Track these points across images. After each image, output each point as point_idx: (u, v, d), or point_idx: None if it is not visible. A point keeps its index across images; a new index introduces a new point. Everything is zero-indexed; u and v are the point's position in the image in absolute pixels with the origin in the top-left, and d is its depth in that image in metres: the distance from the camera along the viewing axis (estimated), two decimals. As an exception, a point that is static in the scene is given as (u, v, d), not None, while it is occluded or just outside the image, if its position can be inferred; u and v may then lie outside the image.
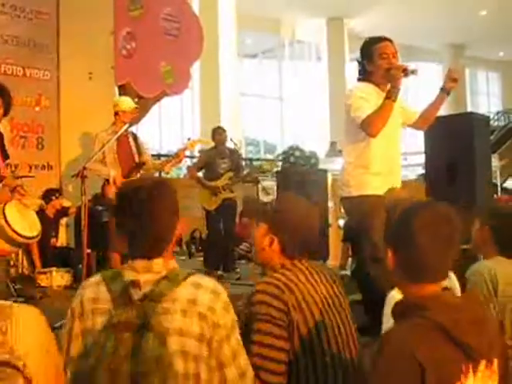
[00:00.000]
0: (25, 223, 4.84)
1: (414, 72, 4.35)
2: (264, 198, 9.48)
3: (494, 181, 9.30)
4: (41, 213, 6.45)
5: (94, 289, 2.03)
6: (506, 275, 3.05)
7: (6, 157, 5.43)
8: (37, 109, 8.21)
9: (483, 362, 1.73)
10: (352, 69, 21.61)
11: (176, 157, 6.52)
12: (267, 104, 22.50)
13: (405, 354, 1.65)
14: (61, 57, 8.43)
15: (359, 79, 4.52)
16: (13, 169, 6.71)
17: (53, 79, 8.39)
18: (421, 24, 21.65)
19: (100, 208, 6.81)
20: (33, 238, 4.93)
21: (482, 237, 3.23)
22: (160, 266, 2.01)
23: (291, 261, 2.47)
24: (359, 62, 4.54)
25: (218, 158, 7.83)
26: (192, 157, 9.92)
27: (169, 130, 18.82)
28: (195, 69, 17.34)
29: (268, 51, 22.78)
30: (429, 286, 1.81)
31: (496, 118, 26.95)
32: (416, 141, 6.36)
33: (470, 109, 26.45)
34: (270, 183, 9.72)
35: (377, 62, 4.40)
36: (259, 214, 2.63)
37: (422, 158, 7.30)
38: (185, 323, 1.92)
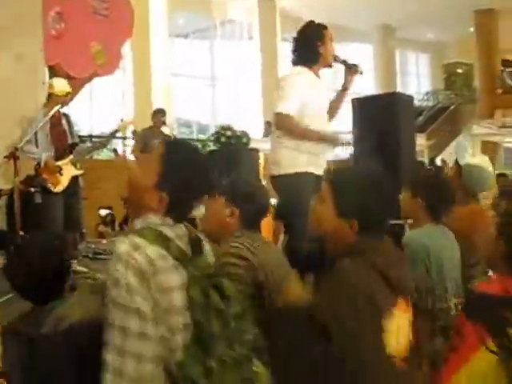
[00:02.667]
0: None
1: (361, 73, 4.70)
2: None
3: (421, 159, 9.60)
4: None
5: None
6: (435, 239, 3.27)
7: None
8: (-36, 90, 8.09)
9: (403, 297, 2.05)
10: (284, 48, 21.85)
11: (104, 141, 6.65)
12: (199, 84, 22.44)
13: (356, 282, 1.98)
14: (-11, 37, 8.30)
15: (300, 63, 4.57)
16: None
17: (-19, 60, 8.25)
18: (351, 4, 21.88)
19: (33, 190, 6.78)
20: None
21: (413, 207, 3.41)
22: None
23: (249, 230, 2.71)
24: (302, 43, 4.58)
25: (152, 140, 7.93)
26: (124, 138, 9.91)
27: (100, 110, 18.60)
28: (126, 49, 17.28)
29: (200, 31, 22.66)
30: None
31: (425, 98, 27.55)
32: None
33: (399, 89, 26.93)
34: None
35: (328, 45, 4.54)
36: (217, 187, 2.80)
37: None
38: None
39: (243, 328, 1.96)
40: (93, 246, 7.13)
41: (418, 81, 30.41)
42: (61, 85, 6.41)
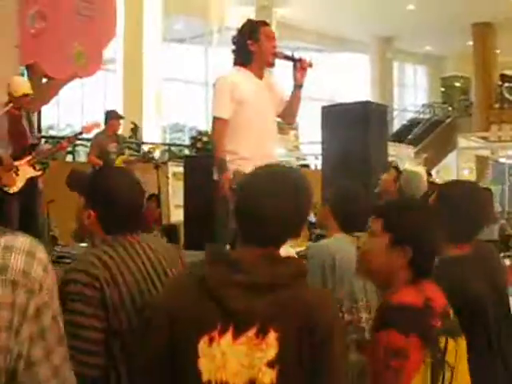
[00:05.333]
0: None
1: (311, 65, 4.44)
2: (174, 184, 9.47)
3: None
4: None
5: None
6: (343, 251, 3.13)
7: None
8: None
9: (253, 328, 1.71)
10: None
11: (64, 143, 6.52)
12: (193, 89, 22.38)
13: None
14: (-39, 33, 8.15)
15: (236, 63, 4.44)
16: None
17: (-48, 56, 8.10)
18: (350, 15, 21.83)
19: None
20: None
21: (323, 214, 3.34)
22: None
23: (113, 236, 2.34)
24: (237, 43, 4.43)
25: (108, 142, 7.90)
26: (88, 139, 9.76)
27: (91, 113, 18.51)
28: (118, 52, 17.19)
29: (196, 37, 22.61)
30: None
31: (422, 110, 27.45)
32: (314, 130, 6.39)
33: (396, 100, 26.90)
34: (181, 169, 9.62)
35: (263, 43, 4.36)
36: (80, 187, 2.50)
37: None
38: None
39: None
40: (58, 249, 6.97)
41: (415, 93, 30.33)
42: (17, 84, 6.26)
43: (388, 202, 2.42)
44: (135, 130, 8.53)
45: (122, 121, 8.53)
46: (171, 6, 18.99)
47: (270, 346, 1.71)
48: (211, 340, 1.73)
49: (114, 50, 15.50)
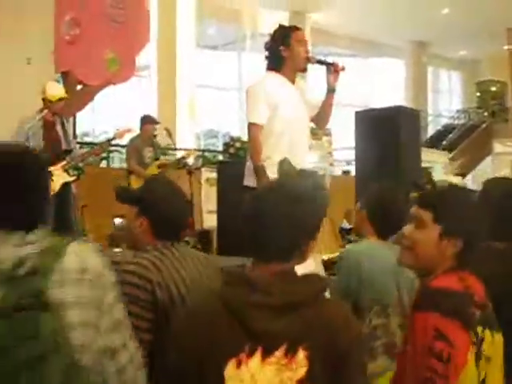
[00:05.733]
0: None
1: (343, 69, 4.44)
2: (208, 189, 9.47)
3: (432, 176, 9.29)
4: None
5: None
6: (374, 254, 3.09)
7: None
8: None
9: (281, 348, 1.70)
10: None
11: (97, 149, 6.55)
12: (227, 96, 22.41)
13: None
14: (-2, 41, 8.27)
15: (269, 69, 4.45)
16: None
17: (-11, 63, 8.23)
18: (384, 20, 21.67)
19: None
20: None
21: (360, 220, 3.31)
22: (39, 237, 1.86)
23: (163, 243, 2.51)
24: (270, 49, 4.43)
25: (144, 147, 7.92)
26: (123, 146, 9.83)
27: (126, 119, 18.62)
28: (152, 58, 17.28)
29: (229, 43, 22.65)
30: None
31: (457, 116, 27.17)
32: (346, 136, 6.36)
33: (430, 106, 26.64)
34: (214, 175, 9.62)
35: (295, 48, 4.35)
36: (130, 198, 2.69)
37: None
38: (77, 293, 1.82)
39: None
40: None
41: (449, 98, 30.01)
42: (52, 89, 6.33)
43: (438, 194, 2.37)
44: (169, 135, 8.51)
45: (157, 126, 8.55)
46: (204, 12, 19.04)
47: (300, 364, 1.70)
48: (239, 363, 1.71)
49: (147, 56, 15.57)
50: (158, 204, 2.56)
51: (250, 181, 4.30)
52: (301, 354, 1.70)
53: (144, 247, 2.55)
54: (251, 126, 4.30)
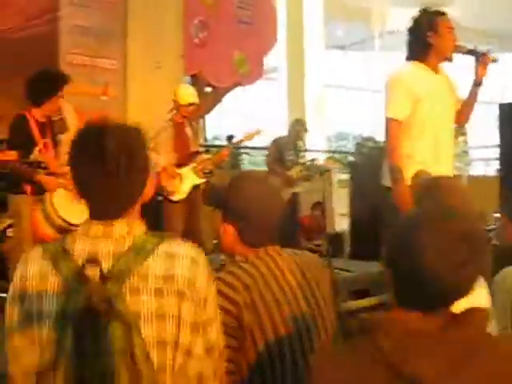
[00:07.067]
0: (72, 211, 4.82)
1: (494, 60, 4.07)
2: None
3: None
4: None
5: (39, 264, 1.65)
6: None
7: (56, 145, 5.35)
8: (104, 98, 8.12)
9: None
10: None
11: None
12: (357, 96, 22.05)
13: None
14: (128, 46, 8.33)
15: (411, 58, 4.05)
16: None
17: (120, 68, 8.30)
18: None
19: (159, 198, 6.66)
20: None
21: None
22: (123, 230, 1.65)
23: (254, 250, 2.15)
24: (414, 35, 4.03)
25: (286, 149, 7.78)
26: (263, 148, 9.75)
27: (253, 121, 18.65)
28: (280, 60, 17.19)
29: (357, 43, 22.27)
30: None
31: None
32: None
33: None
34: (345, 176, 9.34)
35: (445, 35, 3.95)
36: (216, 201, 2.36)
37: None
38: (160, 304, 1.60)
39: None
40: (222, 257, 6.94)
41: None
42: (183, 93, 6.28)
43: None
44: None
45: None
46: (332, 12, 18.77)
47: None
48: None
49: (275, 57, 15.47)
50: (242, 207, 2.17)
51: (387, 181, 3.94)
52: None
53: (237, 256, 2.21)
54: (390, 121, 3.91)
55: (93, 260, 1.58)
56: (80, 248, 1.63)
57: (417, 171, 3.53)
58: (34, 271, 1.64)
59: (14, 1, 7.44)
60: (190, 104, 6.20)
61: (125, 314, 1.53)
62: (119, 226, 1.65)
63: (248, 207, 2.16)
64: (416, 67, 3.98)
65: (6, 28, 7.36)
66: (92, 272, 1.56)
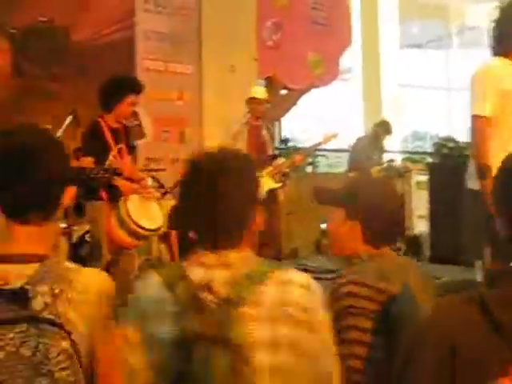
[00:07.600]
0: (146, 216, 4.85)
1: None
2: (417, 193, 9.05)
3: None
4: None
5: (156, 289, 1.67)
6: None
7: (131, 151, 5.40)
8: (179, 103, 8.19)
9: None
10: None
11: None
12: (434, 95, 21.57)
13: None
14: (203, 50, 8.39)
15: (498, 53, 3.86)
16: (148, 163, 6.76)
17: (195, 73, 8.36)
18: None
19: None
20: (154, 230, 4.96)
21: None
22: (237, 259, 1.67)
23: (377, 249, 2.18)
24: (500, 28, 3.84)
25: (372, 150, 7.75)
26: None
27: (327, 123, 18.50)
28: (356, 60, 17.01)
29: (434, 40, 21.80)
30: None
31: None
32: None
33: None
34: (424, 177, 9.14)
35: None
36: (333, 199, 2.35)
37: None
38: (273, 332, 1.57)
39: None
40: (300, 261, 6.91)
41: None
42: (252, 90, 6.29)
43: None
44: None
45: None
46: (407, 11, 18.47)
47: None
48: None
49: (350, 58, 15.32)
50: (372, 205, 2.20)
51: (474, 183, 3.75)
52: None
53: (354, 254, 2.21)
54: (475, 119, 3.74)
55: (209, 287, 1.61)
56: (196, 274, 1.66)
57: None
58: (150, 294, 1.68)
59: (92, 9, 7.58)
60: (256, 98, 6.23)
61: (235, 342, 1.53)
62: (233, 255, 1.68)
63: (380, 206, 2.20)
64: (502, 63, 3.80)
65: (88, 36, 7.52)
66: (208, 298, 1.60)
